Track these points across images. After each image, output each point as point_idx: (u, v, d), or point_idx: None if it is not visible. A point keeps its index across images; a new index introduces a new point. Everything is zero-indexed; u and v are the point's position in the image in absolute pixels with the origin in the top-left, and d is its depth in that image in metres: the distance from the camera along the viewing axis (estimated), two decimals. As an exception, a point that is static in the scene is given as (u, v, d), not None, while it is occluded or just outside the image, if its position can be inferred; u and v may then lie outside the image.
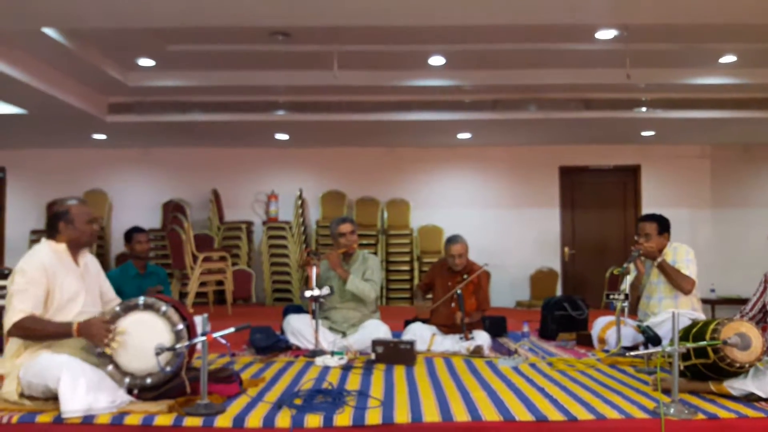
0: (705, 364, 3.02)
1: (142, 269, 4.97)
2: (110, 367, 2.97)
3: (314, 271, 4.45)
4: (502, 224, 9.21)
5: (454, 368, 3.90)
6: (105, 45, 5.96)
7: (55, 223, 3.21)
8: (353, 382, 3.45)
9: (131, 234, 5.01)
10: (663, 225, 4.43)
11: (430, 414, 2.79)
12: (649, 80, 6.67)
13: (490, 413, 2.79)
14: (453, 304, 4.62)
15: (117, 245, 8.99)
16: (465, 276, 4.67)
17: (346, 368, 3.84)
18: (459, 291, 4.50)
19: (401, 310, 7.00)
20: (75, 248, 3.24)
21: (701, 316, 4.19)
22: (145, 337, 2.97)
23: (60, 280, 3.08)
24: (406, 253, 8.94)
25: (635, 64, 6.09)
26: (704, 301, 5.45)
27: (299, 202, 8.86)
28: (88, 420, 2.72)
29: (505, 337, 5.32)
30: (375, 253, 8.40)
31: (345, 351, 4.27)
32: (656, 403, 2.86)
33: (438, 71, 6.69)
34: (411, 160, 9.35)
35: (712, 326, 3.01)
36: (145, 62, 6.41)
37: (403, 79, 6.82)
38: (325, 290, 4.35)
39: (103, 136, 8.42)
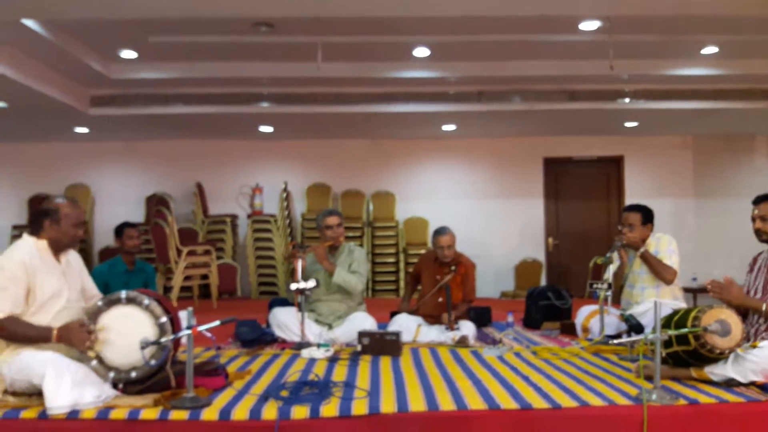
0: (686, 351, 3.06)
1: (130, 265, 4.93)
2: (94, 362, 2.95)
3: (300, 263, 4.45)
4: (487, 215, 9.26)
5: (439, 358, 3.92)
6: (87, 37, 5.90)
7: (40, 219, 3.16)
8: (339, 374, 3.46)
9: (122, 229, 4.95)
10: (646, 215, 4.48)
11: (416, 403, 2.80)
12: (632, 71, 6.72)
13: (475, 402, 2.82)
14: (440, 299, 4.65)
15: (100, 240, 8.93)
16: (453, 267, 4.69)
17: (333, 360, 3.84)
18: (447, 284, 4.53)
19: (387, 302, 7.02)
20: (57, 248, 3.21)
21: (683, 305, 4.24)
22: (129, 331, 2.95)
23: (41, 278, 3.04)
24: (391, 245, 8.96)
25: (618, 56, 6.13)
26: (686, 290, 5.51)
27: (284, 194, 8.83)
28: (73, 415, 2.70)
29: (490, 327, 5.36)
30: (361, 246, 8.42)
31: (331, 343, 4.28)
32: (639, 389, 2.90)
33: (423, 63, 6.69)
34: (396, 152, 9.36)
35: (693, 314, 3.06)
36: (128, 54, 6.35)
37: (388, 71, 6.82)
38: (311, 283, 4.34)
39: (85, 130, 8.34)
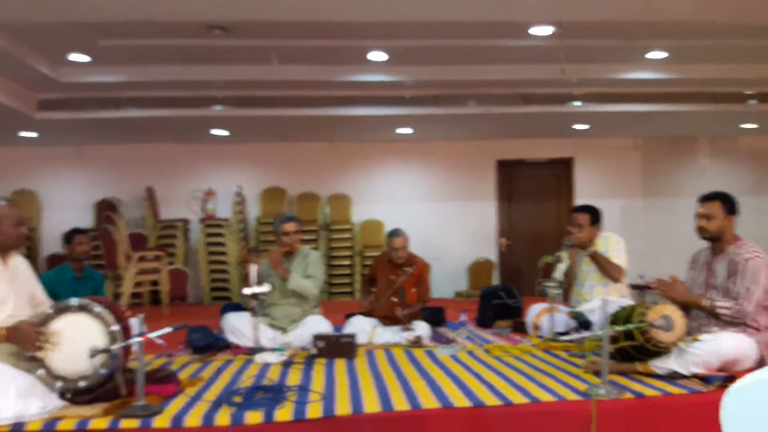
0: (633, 346, 3.16)
1: (79, 272, 4.81)
2: (41, 371, 2.87)
3: (254, 268, 4.41)
4: (442, 217, 9.34)
5: (394, 359, 3.95)
6: (33, 40, 5.72)
7: None
8: (294, 378, 3.45)
9: (72, 235, 4.83)
10: (595, 216, 4.59)
11: (371, 405, 2.82)
12: (582, 75, 6.84)
13: (429, 401, 2.85)
14: (395, 299, 4.68)
15: (47, 246, 8.70)
16: (406, 269, 4.73)
17: (287, 364, 3.82)
18: (402, 285, 4.56)
19: (343, 305, 7.02)
20: (2, 251, 3.12)
21: (629, 302, 4.36)
22: (79, 339, 2.89)
23: (-14, 284, 2.97)
24: (347, 248, 8.96)
25: (569, 60, 6.26)
26: (634, 287, 5.68)
27: (238, 198, 8.74)
28: (18, 427, 2.62)
29: (444, 327, 5.41)
30: (316, 248, 8.39)
31: (286, 347, 4.26)
32: (587, 384, 2.98)
33: (379, 66, 6.71)
34: (352, 154, 9.36)
35: (639, 310, 3.16)
36: (77, 57, 6.18)
37: (344, 74, 6.80)
38: (265, 287, 4.31)
39: (32, 134, 8.10)
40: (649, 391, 2.91)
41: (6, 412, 2.64)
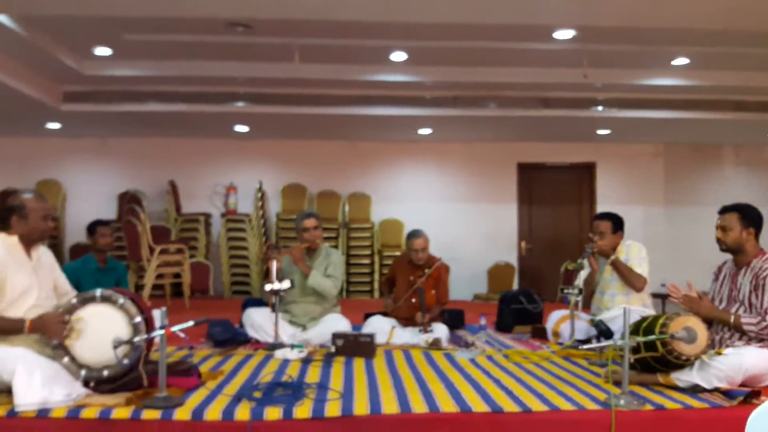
0: (654, 357, 3.13)
1: (102, 263, 4.87)
2: (66, 360, 2.93)
3: (275, 265, 4.44)
4: (461, 219, 9.33)
5: (412, 360, 3.95)
6: (60, 33, 5.81)
7: (7, 216, 3.13)
8: (313, 375, 3.46)
9: (94, 227, 4.89)
10: (617, 223, 4.56)
11: (389, 406, 2.82)
12: (605, 80, 6.83)
13: (447, 404, 2.85)
14: (414, 300, 4.69)
15: (71, 236, 8.80)
16: (426, 270, 4.73)
17: (306, 361, 3.85)
18: (421, 287, 4.57)
19: (362, 304, 7.04)
20: (28, 243, 3.18)
21: (651, 312, 4.33)
22: (102, 329, 2.94)
23: (11, 274, 3.01)
24: (367, 247, 8.98)
25: (592, 64, 6.24)
26: (655, 296, 5.61)
27: (259, 194, 8.79)
28: (43, 414, 2.67)
29: (463, 330, 5.40)
30: (336, 247, 8.42)
31: (305, 344, 4.29)
32: (607, 394, 2.96)
33: (400, 67, 6.73)
34: (372, 154, 9.38)
35: (661, 320, 3.13)
36: (102, 51, 6.27)
37: (365, 74, 6.84)
38: (286, 284, 4.35)
39: (57, 125, 8.22)
40: (669, 404, 2.88)
41: (32, 398, 2.69)
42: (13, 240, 3.11)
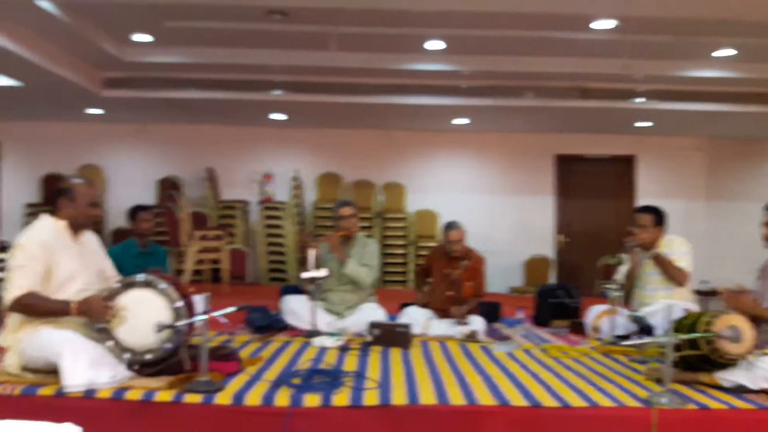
0: (697, 355, 3.07)
1: (144, 247, 4.96)
2: (110, 343, 2.99)
3: (312, 252, 4.47)
4: (496, 210, 9.26)
5: (449, 352, 3.94)
6: (101, 19, 5.90)
7: (56, 199, 3.21)
8: (350, 364, 3.49)
9: (136, 212, 4.96)
10: (659, 217, 4.47)
11: (427, 397, 2.83)
12: (646, 71, 6.68)
13: (485, 397, 2.84)
14: (450, 292, 4.66)
15: (112, 221, 8.98)
16: (463, 262, 4.71)
17: (343, 349, 3.87)
18: (457, 278, 4.55)
19: (396, 293, 7.04)
20: (75, 227, 3.25)
21: (694, 308, 4.24)
22: (145, 313, 2.99)
23: (59, 257, 3.09)
24: (401, 237, 8.98)
25: (633, 55, 6.11)
26: (696, 293, 5.51)
27: (295, 182, 8.85)
28: (89, 394, 2.74)
29: (500, 323, 5.36)
30: (370, 236, 8.44)
31: (342, 333, 4.31)
32: (648, 392, 2.92)
33: (437, 56, 6.68)
34: (408, 143, 9.35)
35: (705, 318, 3.06)
36: (142, 38, 6.35)
37: (402, 63, 6.80)
38: (323, 272, 4.38)
39: (98, 111, 8.36)
40: (713, 404, 2.82)
41: (78, 379, 2.76)
42: (61, 224, 3.19)
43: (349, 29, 5.93)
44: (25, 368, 2.95)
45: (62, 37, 5.96)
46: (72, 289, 3.11)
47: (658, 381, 3.04)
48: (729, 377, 3.03)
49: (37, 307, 2.99)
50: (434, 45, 6.34)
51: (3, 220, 9.16)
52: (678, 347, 3.08)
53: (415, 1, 4.91)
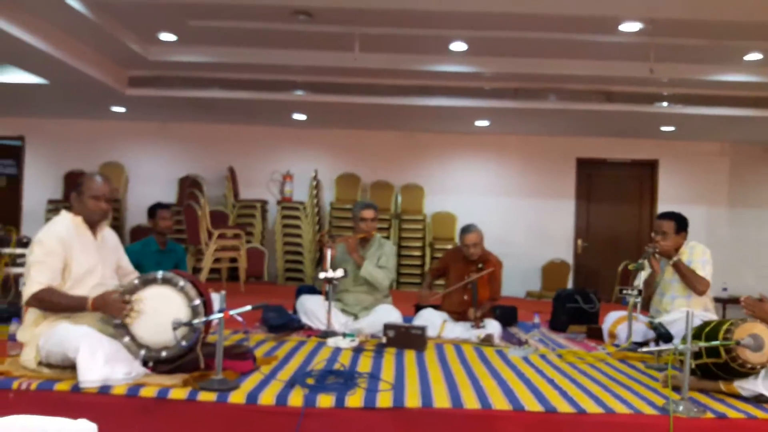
0: (716, 364, 3.02)
1: (162, 245, 5.00)
2: (127, 339, 3.01)
3: (329, 253, 4.48)
4: (516, 213, 9.20)
5: (464, 355, 3.93)
6: (127, 18, 5.97)
7: (71, 194, 3.27)
8: (364, 365, 3.48)
9: (155, 210, 5.01)
10: (681, 224, 4.41)
11: (441, 400, 2.81)
12: (672, 75, 6.61)
13: (500, 402, 2.82)
14: (466, 297, 4.64)
15: (132, 218, 9.08)
16: (480, 265, 4.68)
17: (358, 350, 3.87)
18: (474, 282, 4.53)
19: (412, 295, 7.00)
20: (90, 222, 3.28)
21: (713, 317, 4.18)
22: (162, 310, 3.01)
23: (76, 253, 3.12)
24: (418, 239, 8.96)
25: (658, 59, 6.04)
26: (716, 300, 5.43)
27: (314, 182, 8.87)
28: (104, 390, 2.76)
29: (516, 327, 5.33)
30: (387, 238, 8.43)
31: (356, 333, 4.31)
32: (665, 399, 2.88)
33: (459, 57, 6.66)
34: (426, 145, 9.33)
35: (725, 326, 3.02)
36: (167, 37, 6.42)
37: (424, 64, 6.79)
38: (339, 272, 4.38)
39: (122, 109, 8.46)
40: (732, 413, 2.78)
41: (95, 374, 2.78)
42: (78, 220, 3.23)
43: (372, 30, 5.94)
44: (42, 363, 2.99)
45: (89, 36, 6.05)
46: (89, 284, 3.15)
47: (676, 389, 2.99)
48: (748, 386, 2.98)
49: (54, 303, 3.03)
50: (456, 46, 6.33)
51: (25, 216, 9.30)
52: (697, 355, 3.04)
53: (439, 2, 4.90)
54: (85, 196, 3.22)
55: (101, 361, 2.81)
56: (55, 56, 5.95)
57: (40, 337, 2.99)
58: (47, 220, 7.57)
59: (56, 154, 9.35)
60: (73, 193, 3.25)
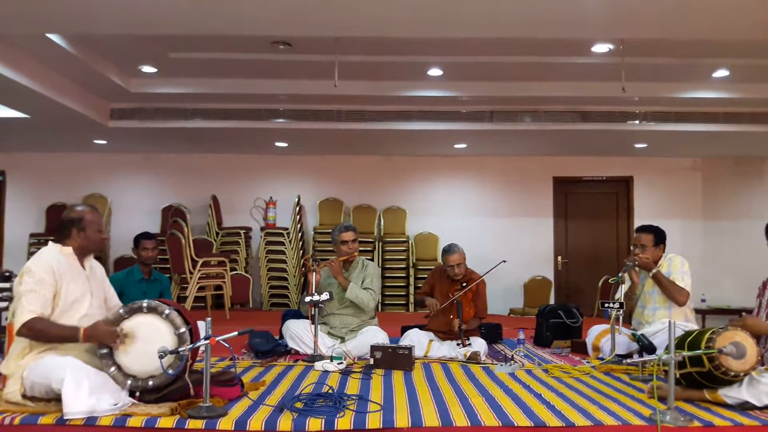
0: (700, 373, 3.06)
1: (147, 274, 5.00)
2: (113, 369, 2.99)
3: (314, 277, 4.50)
4: (496, 233, 9.29)
5: (451, 374, 3.94)
6: (108, 51, 6.01)
7: (67, 228, 3.25)
8: (353, 387, 3.49)
9: (139, 240, 5.04)
10: (659, 236, 4.50)
11: (430, 419, 2.82)
12: (643, 94, 6.76)
13: (488, 418, 2.83)
14: (452, 316, 4.66)
15: (116, 250, 9.02)
16: (464, 284, 4.72)
17: (345, 373, 3.88)
18: (459, 301, 4.56)
19: (397, 316, 7.04)
20: (82, 254, 3.28)
21: (694, 327, 4.25)
22: (149, 339, 3.00)
23: (66, 282, 3.11)
24: (402, 260, 8.99)
25: (630, 78, 6.17)
26: (696, 311, 5.53)
27: (297, 208, 8.90)
28: (90, 422, 2.73)
29: (501, 344, 5.37)
30: (371, 260, 8.44)
31: (344, 356, 4.31)
32: (652, 410, 2.91)
33: (436, 82, 6.76)
34: (408, 168, 9.43)
35: (707, 335, 3.06)
36: (148, 69, 6.45)
37: (402, 90, 6.89)
38: (325, 296, 4.40)
39: (104, 141, 8.44)
40: (718, 421, 2.81)
41: (80, 406, 2.75)
42: (67, 250, 3.22)
43: (350, 58, 6.01)
44: (26, 396, 2.95)
45: (71, 69, 6.07)
46: (77, 314, 3.13)
47: (662, 399, 3.03)
48: (733, 394, 3.02)
49: (46, 333, 3.00)
50: (434, 72, 6.43)
51: (7, 250, 9.19)
52: (681, 364, 3.08)
53: (415, 29, 4.98)
54: (89, 230, 3.25)
55: (86, 392, 2.78)
56: (37, 90, 5.94)
57: (25, 368, 2.96)
58: (30, 254, 7.50)
59: (38, 187, 9.29)
60: (73, 229, 3.23)
